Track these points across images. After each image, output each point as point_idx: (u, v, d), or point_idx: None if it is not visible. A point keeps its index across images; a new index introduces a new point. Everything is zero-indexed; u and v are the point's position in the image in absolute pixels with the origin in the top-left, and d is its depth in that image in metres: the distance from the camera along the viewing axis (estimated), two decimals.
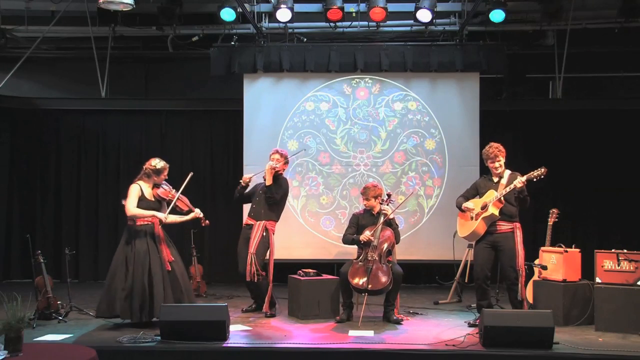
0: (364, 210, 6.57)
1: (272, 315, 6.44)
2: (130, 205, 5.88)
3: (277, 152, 6.71)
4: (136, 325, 5.85)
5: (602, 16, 8.35)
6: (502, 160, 6.10)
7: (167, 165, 6.08)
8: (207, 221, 6.21)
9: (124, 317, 5.81)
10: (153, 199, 5.99)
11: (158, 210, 5.97)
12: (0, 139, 9.28)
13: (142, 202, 5.93)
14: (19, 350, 3.87)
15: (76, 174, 9.36)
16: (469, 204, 6.16)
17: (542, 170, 5.82)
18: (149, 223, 5.92)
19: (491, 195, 6.02)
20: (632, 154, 8.80)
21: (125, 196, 5.99)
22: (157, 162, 6.02)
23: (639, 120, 8.82)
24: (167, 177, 6.09)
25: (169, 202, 6.03)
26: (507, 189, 5.91)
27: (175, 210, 6.08)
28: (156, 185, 6.04)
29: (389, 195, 6.50)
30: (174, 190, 6.08)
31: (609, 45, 8.81)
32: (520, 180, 5.83)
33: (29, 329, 5.57)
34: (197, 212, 6.10)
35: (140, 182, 6.01)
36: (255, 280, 6.37)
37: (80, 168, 9.37)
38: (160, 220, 5.94)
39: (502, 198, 5.95)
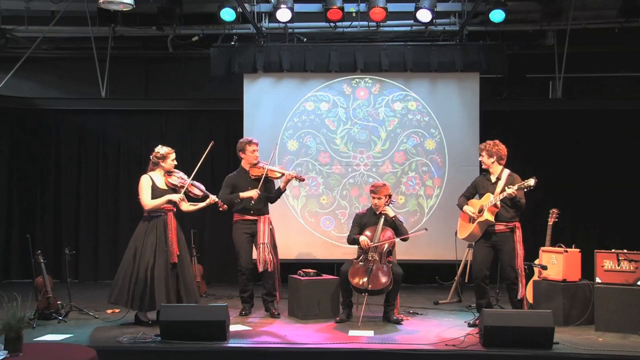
0: (366, 210, 6.56)
1: (278, 315, 6.42)
2: (146, 199, 5.91)
3: (255, 144, 6.56)
4: (136, 324, 5.89)
5: (602, 16, 8.35)
6: (485, 159, 6.12)
7: (172, 150, 6.11)
8: (225, 205, 6.18)
9: (126, 306, 5.86)
10: (166, 187, 6.03)
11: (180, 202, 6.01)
12: (0, 139, 9.28)
13: (156, 192, 5.96)
14: (19, 350, 3.86)
15: (76, 174, 9.37)
16: (468, 208, 6.17)
17: (533, 181, 5.80)
18: (162, 215, 5.93)
19: (487, 200, 6.02)
20: (632, 154, 8.79)
21: (137, 192, 6.01)
22: (159, 148, 6.09)
23: (639, 120, 8.83)
24: (176, 163, 6.11)
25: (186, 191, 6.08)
26: (501, 196, 5.91)
27: (189, 197, 6.12)
28: (168, 174, 6.06)
29: (389, 196, 6.50)
30: (187, 178, 6.10)
31: (609, 45, 8.81)
32: (513, 190, 5.81)
33: (29, 329, 5.57)
34: (213, 198, 6.11)
35: (151, 173, 6.05)
36: (271, 269, 6.35)
37: (80, 168, 9.37)
38: (176, 205, 5.95)
39: (497, 203, 5.95)
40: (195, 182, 6.12)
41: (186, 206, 6.13)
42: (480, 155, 6.23)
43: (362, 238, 6.24)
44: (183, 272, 5.96)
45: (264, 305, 6.56)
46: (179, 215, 6.11)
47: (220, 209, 6.18)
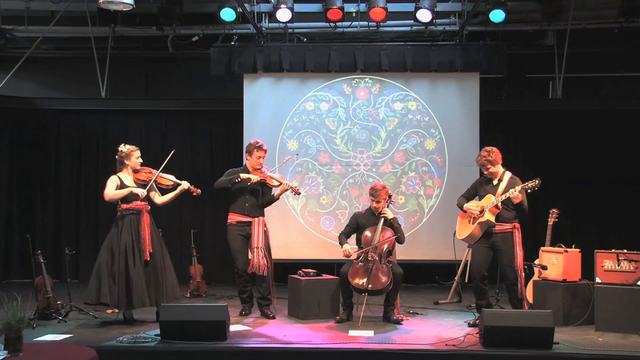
0: (365, 210, 6.56)
1: (273, 317, 6.42)
2: (107, 191, 5.95)
3: (263, 150, 6.52)
4: (136, 324, 5.91)
5: (602, 16, 8.35)
6: (493, 169, 6.06)
7: (135, 148, 6.12)
8: (198, 190, 6.19)
9: (105, 302, 5.88)
10: (135, 185, 6.05)
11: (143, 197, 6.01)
12: (0, 139, 9.28)
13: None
14: (19, 350, 3.87)
15: (76, 174, 9.37)
16: (470, 205, 6.16)
17: (537, 182, 5.78)
18: (135, 212, 5.96)
19: (489, 200, 6.01)
20: (632, 154, 8.80)
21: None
22: (122, 147, 6.10)
23: (639, 120, 8.82)
24: (141, 160, 6.13)
25: (156, 184, 6.11)
26: (504, 197, 5.89)
27: (161, 190, 6.16)
28: (135, 172, 6.09)
29: (389, 197, 6.49)
30: (154, 171, 6.12)
31: (609, 45, 8.80)
32: (517, 190, 5.79)
33: (29, 329, 5.57)
34: (184, 185, 6.12)
35: (119, 174, 6.09)
36: (266, 273, 6.35)
37: (80, 168, 9.38)
38: (149, 200, 6.02)
39: (498, 204, 5.94)
40: (163, 174, 6.12)
41: (159, 199, 6.18)
42: (487, 170, 6.06)
43: (344, 247, 6.29)
44: (156, 270, 5.97)
45: (259, 309, 6.54)
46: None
47: (194, 194, 6.19)
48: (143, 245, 5.90)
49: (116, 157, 6.12)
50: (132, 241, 5.91)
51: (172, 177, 6.18)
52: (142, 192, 5.97)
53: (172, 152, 6.22)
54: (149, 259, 5.91)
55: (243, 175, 6.42)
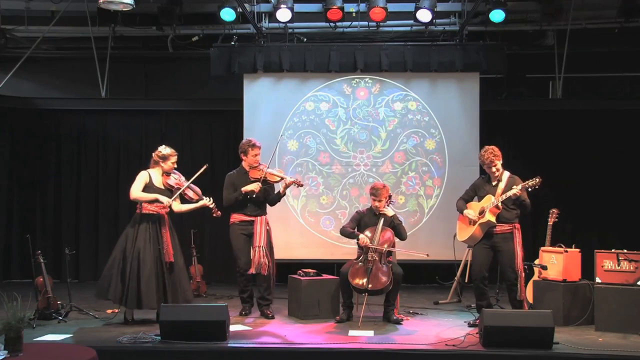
0: (366, 210, 6.56)
1: (272, 317, 6.41)
2: (134, 189, 5.95)
3: (257, 147, 6.52)
4: (136, 324, 5.92)
5: (602, 16, 8.35)
6: (499, 164, 6.07)
7: (175, 153, 6.13)
8: (218, 212, 6.19)
9: (114, 301, 5.91)
10: (163, 187, 6.06)
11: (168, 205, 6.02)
12: (0, 139, 9.28)
13: (150, 189, 5.99)
14: (19, 350, 3.87)
15: (76, 174, 9.37)
16: (469, 212, 6.15)
17: (537, 180, 5.81)
18: (155, 213, 5.95)
19: (489, 201, 6.01)
20: (632, 154, 8.80)
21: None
22: (162, 148, 6.12)
23: (639, 120, 8.83)
24: (176, 166, 6.14)
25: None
26: (504, 196, 5.89)
27: (184, 200, 6.15)
28: (167, 174, 6.09)
29: (389, 196, 6.49)
30: (185, 180, 6.13)
31: (609, 45, 8.81)
32: (517, 190, 5.81)
33: (29, 329, 5.57)
34: (206, 201, 6.13)
35: (150, 170, 6.09)
36: (266, 273, 6.35)
37: (80, 168, 9.38)
38: (168, 206, 5.99)
39: (499, 204, 5.94)
40: (192, 186, 6.13)
41: (177, 206, 6.16)
42: (494, 165, 6.03)
43: (361, 236, 6.24)
44: (173, 273, 5.96)
45: (259, 308, 6.54)
46: (179, 214, 6.17)
47: (214, 215, 6.19)
48: (166, 248, 5.90)
49: (153, 154, 6.12)
50: (150, 244, 5.88)
51: (199, 192, 6.17)
52: (167, 201, 5.97)
53: (205, 166, 6.22)
54: (172, 261, 5.91)
55: (245, 189, 6.39)
